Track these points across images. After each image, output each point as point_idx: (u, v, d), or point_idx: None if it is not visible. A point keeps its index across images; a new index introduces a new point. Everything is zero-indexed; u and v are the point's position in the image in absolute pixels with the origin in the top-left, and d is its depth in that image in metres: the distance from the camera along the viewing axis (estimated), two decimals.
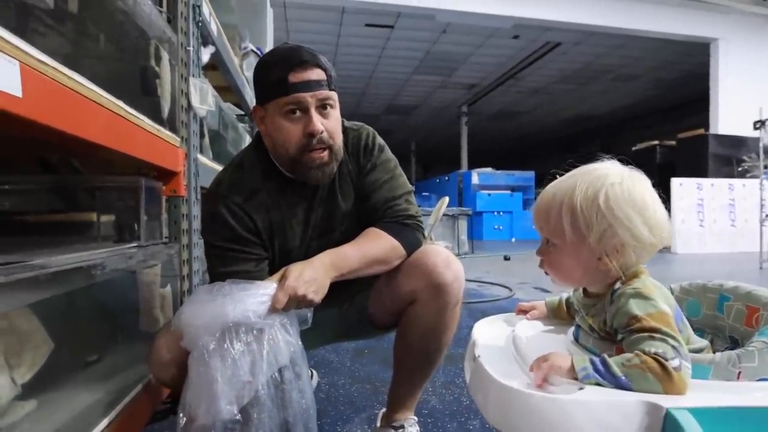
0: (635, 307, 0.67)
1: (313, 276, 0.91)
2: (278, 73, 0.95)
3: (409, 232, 1.06)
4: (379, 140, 1.14)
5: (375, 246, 1.03)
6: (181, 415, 0.78)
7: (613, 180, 0.71)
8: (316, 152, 0.98)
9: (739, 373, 0.66)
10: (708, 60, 7.89)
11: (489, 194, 10.49)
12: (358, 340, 1.32)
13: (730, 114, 7.61)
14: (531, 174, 11.33)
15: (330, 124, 0.99)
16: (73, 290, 0.87)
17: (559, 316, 0.94)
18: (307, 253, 1.05)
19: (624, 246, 0.71)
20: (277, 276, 0.91)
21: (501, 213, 10.45)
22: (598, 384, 0.62)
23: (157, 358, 0.93)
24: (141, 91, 1.17)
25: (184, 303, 0.84)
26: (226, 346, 0.78)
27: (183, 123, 1.41)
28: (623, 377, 0.61)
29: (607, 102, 12.20)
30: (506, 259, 5.91)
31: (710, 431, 0.56)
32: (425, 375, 1.15)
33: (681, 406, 0.57)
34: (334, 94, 0.99)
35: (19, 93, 0.60)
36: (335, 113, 1.00)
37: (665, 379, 0.60)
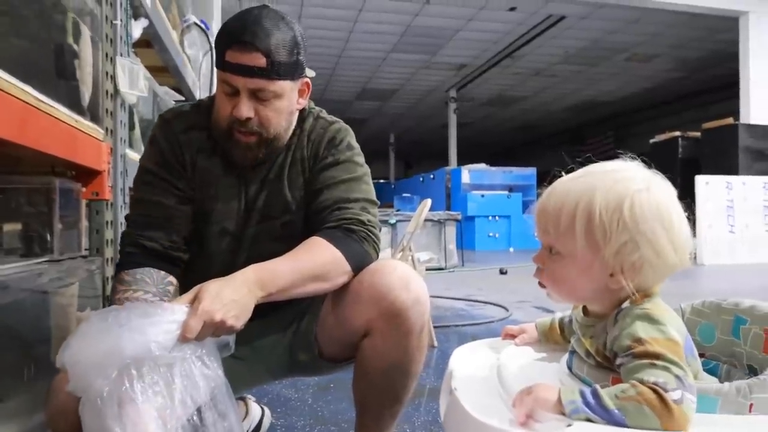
0: (640, 329, 0.69)
1: (232, 297, 0.89)
2: (222, 45, 1.03)
3: (354, 243, 1.06)
4: (353, 141, 1.19)
5: (312, 259, 1.02)
6: None
7: (640, 186, 0.73)
8: (242, 135, 1.06)
9: (751, 405, 0.68)
10: (737, 37, 8.15)
11: (482, 195, 10.63)
12: (309, 376, 1.34)
13: (764, 100, 7.85)
14: (532, 171, 11.54)
15: (265, 113, 1.05)
16: None
17: (552, 339, 0.97)
18: (242, 240, 1.15)
19: (644, 263, 0.72)
20: (188, 297, 0.89)
21: (496, 218, 10.59)
22: (589, 420, 0.64)
23: (52, 405, 0.91)
24: (55, 74, 1.17)
25: (70, 335, 0.80)
26: (124, 389, 0.75)
27: (108, 112, 1.41)
28: (617, 411, 0.63)
29: (620, 86, 12.53)
30: (502, 273, 6.01)
31: None
32: (393, 415, 1.17)
33: None
34: (277, 85, 1.03)
35: None
36: (278, 103, 1.05)
37: (664, 413, 0.62)
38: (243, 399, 1.58)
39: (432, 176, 12.05)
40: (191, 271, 1.16)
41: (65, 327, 1.21)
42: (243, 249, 1.16)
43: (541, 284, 0.81)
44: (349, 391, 1.94)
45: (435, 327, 2.75)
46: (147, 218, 1.10)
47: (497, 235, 10.56)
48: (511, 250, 10.28)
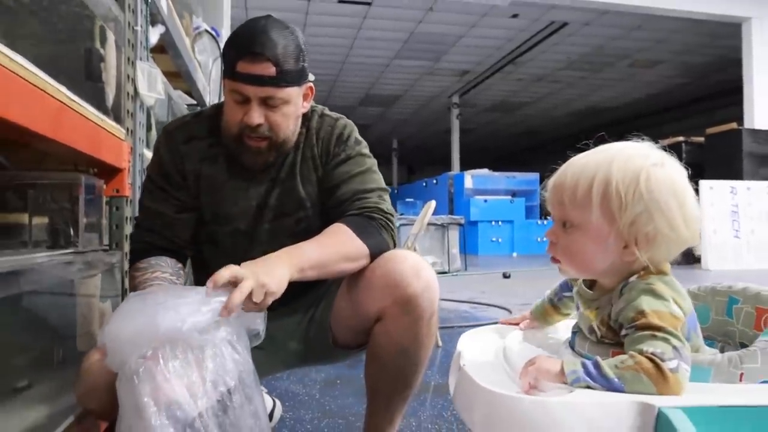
0: (645, 303, 0.73)
1: (270, 268, 0.94)
2: (232, 55, 1.09)
3: (374, 230, 1.12)
4: (358, 135, 1.25)
5: (336, 240, 1.08)
6: None
7: (656, 161, 0.76)
8: (253, 140, 1.12)
9: (742, 374, 0.74)
10: (740, 43, 8.21)
11: (485, 200, 10.70)
12: (322, 364, 1.37)
13: None
14: (535, 176, 11.61)
15: (275, 118, 1.11)
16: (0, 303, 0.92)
17: (549, 318, 1.02)
18: (255, 237, 1.20)
19: (657, 235, 0.75)
20: (219, 277, 0.91)
21: (499, 222, 10.66)
22: (589, 387, 0.69)
23: (84, 383, 0.95)
24: (84, 76, 1.24)
25: (112, 314, 0.85)
26: (158, 367, 0.79)
27: (129, 113, 1.48)
28: (616, 379, 0.68)
29: (622, 92, 12.61)
30: (506, 276, 6.05)
31: (704, 430, 0.63)
32: (404, 399, 1.22)
33: (674, 405, 0.65)
34: (285, 92, 1.09)
35: None
36: (286, 108, 1.11)
37: (660, 380, 0.67)
38: None
39: (435, 181, 12.12)
40: (209, 272, 1.22)
41: (88, 316, 1.27)
42: (258, 246, 1.19)
43: (554, 259, 0.84)
44: (355, 386, 2.01)
45: (440, 328, 2.79)
46: (149, 223, 1.19)
47: (500, 240, 10.61)
48: (515, 254, 10.32)
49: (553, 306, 1.01)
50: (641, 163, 0.76)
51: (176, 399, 0.78)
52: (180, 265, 1.19)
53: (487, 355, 0.91)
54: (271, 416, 1.66)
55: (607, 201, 0.75)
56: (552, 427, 0.67)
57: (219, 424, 0.82)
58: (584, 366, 0.71)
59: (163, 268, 1.13)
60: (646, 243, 0.76)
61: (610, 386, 0.69)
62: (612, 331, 0.79)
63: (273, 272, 0.93)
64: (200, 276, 1.29)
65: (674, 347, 0.69)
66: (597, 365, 0.70)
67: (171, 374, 0.79)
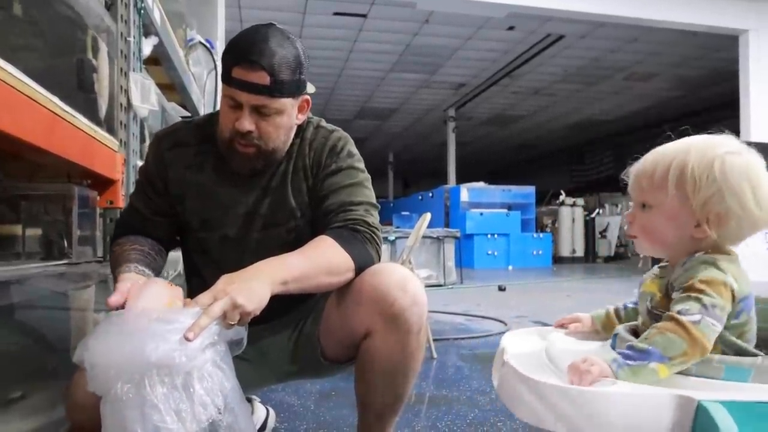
0: (701, 271, 0.78)
1: (248, 285, 0.92)
2: (229, 60, 1.10)
3: (359, 243, 1.11)
4: (353, 149, 1.26)
5: (320, 253, 1.07)
6: None
7: (733, 150, 0.82)
8: (242, 146, 1.13)
9: None
10: (737, 55, 8.22)
11: (481, 214, 10.74)
12: (313, 378, 1.37)
13: (765, 119, 7.88)
14: (531, 190, 11.68)
15: (266, 127, 1.11)
16: None
17: (609, 328, 1.00)
18: (245, 246, 1.20)
19: (728, 215, 0.80)
20: (205, 298, 0.90)
21: (495, 236, 10.69)
22: (633, 371, 0.73)
23: (71, 402, 0.97)
24: (77, 86, 1.26)
25: (90, 332, 0.84)
26: (146, 393, 0.79)
27: (122, 124, 1.50)
28: (650, 347, 0.73)
29: (619, 105, 12.73)
30: (501, 289, 6.06)
31: (744, 425, 0.65)
32: (395, 411, 1.23)
33: (714, 399, 0.68)
34: (278, 102, 1.09)
35: None
36: (279, 119, 1.12)
37: (683, 334, 0.72)
38: (249, 399, 1.65)
39: (431, 194, 12.17)
40: (200, 280, 1.24)
41: (83, 326, 1.28)
42: (248, 254, 1.18)
43: (631, 236, 0.90)
44: (350, 398, 2.01)
45: (435, 340, 2.81)
46: (129, 218, 1.24)
47: (496, 253, 10.63)
48: (510, 268, 10.34)
49: (617, 314, 1.03)
50: (718, 151, 0.81)
51: (165, 426, 0.79)
52: (159, 247, 1.21)
53: (529, 352, 0.94)
54: (264, 425, 1.67)
55: (682, 182, 0.81)
56: (595, 417, 0.71)
57: None
58: (620, 353, 0.76)
59: (142, 243, 1.16)
60: (717, 222, 0.81)
61: (650, 357, 0.74)
62: (667, 298, 0.83)
63: (251, 290, 0.91)
64: (192, 283, 1.31)
65: (703, 304, 0.74)
66: (630, 346, 0.75)
67: (159, 400, 0.79)
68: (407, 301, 1.08)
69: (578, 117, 13.75)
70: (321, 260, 1.06)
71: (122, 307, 0.91)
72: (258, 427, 1.64)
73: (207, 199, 1.21)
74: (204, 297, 0.89)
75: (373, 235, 1.14)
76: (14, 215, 1.22)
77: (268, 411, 1.71)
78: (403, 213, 11.66)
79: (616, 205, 12.80)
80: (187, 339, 0.81)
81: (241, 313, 0.89)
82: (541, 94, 11.81)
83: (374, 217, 1.18)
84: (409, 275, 1.12)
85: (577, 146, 16.69)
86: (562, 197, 12.28)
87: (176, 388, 0.81)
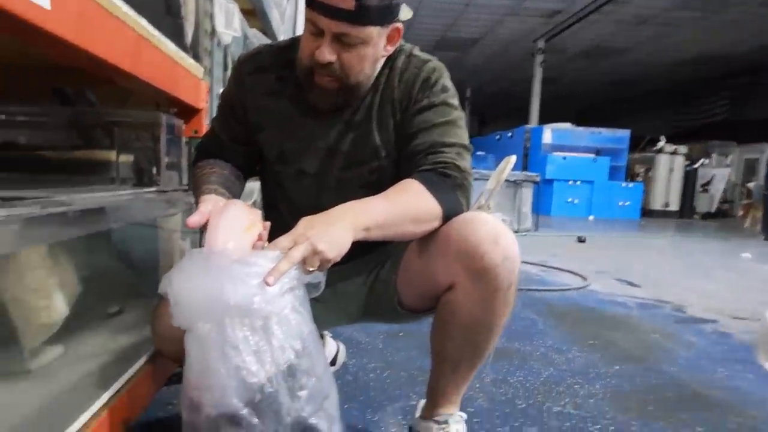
0: None
1: (329, 230, 0.90)
2: None
3: (448, 189, 1.05)
4: (448, 82, 1.18)
5: (406, 199, 1.02)
6: (185, 397, 0.85)
7: None
8: (320, 77, 1.07)
9: None
10: None
11: (564, 158, 10.36)
12: (386, 323, 1.36)
13: None
14: (624, 134, 11.07)
15: (348, 58, 1.05)
16: (93, 235, 1.00)
17: None
18: (323, 184, 1.19)
19: None
20: (285, 241, 0.89)
21: (578, 182, 10.32)
22: None
23: (156, 330, 1.02)
24: (164, 11, 1.28)
25: (174, 267, 0.87)
26: (227, 333, 0.82)
27: (206, 51, 1.52)
28: None
29: (748, 37, 11.32)
30: (581, 240, 5.92)
31: None
32: (472, 367, 1.18)
33: None
34: (363, 31, 1.02)
35: (47, 5, 0.68)
36: (363, 49, 1.05)
37: None
38: (321, 335, 1.73)
39: (510, 134, 11.83)
40: (277, 213, 1.26)
41: (169, 253, 1.36)
42: (326, 193, 1.18)
43: None
44: (418, 340, 2.07)
45: None
46: (210, 143, 1.26)
47: (576, 201, 10.31)
48: (591, 218, 10.02)
49: None
50: None
51: (246, 367, 0.82)
52: (238, 173, 1.23)
53: None
54: (334, 360, 1.75)
55: None
56: None
57: (288, 389, 0.85)
58: None
59: (222, 166, 1.19)
60: None
61: None
62: None
63: (332, 236, 0.89)
64: (268, 214, 1.31)
65: None
66: None
67: (239, 342, 0.82)
68: (498, 256, 1.01)
69: (693, 51, 12.48)
70: (407, 207, 1.01)
71: (203, 227, 0.93)
72: (328, 361, 1.72)
73: (285, 130, 1.18)
74: (284, 240, 0.89)
75: (464, 180, 1.08)
76: (108, 141, 1.29)
77: (338, 346, 1.79)
78: (478, 153, 11.43)
79: (726, 156, 11.91)
80: (267, 284, 0.83)
81: (321, 260, 0.88)
82: (649, 23, 10.81)
83: (466, 161, 1.11)
84: (501, 227, 1.05)
85: (683, 86, 15.35)
86: (662, 143, 11.49)
87: (255, 331, 0.83)
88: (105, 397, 0.93)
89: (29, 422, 0.83)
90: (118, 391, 0.96)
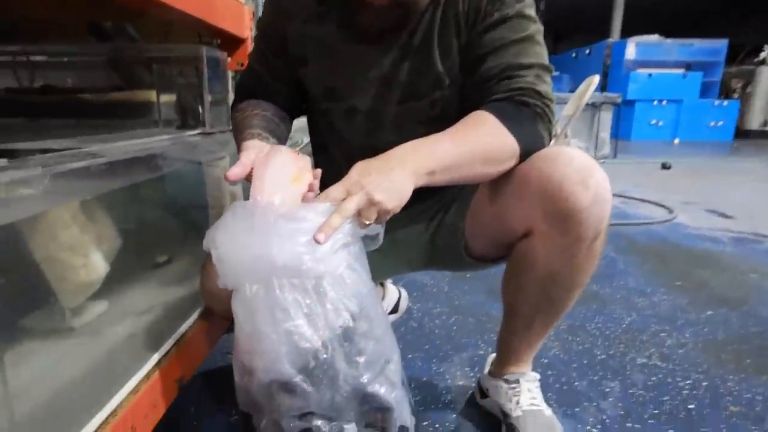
0: None
1: (387, 177, 0.79)
2: None
3: (526, 121, 0.91)
4: None
5: (477, 136, 0.88)
6: (237, 360, 0.81)
7: None
8: None
9: None
10: None
11: (649, 75, 9.59)
12: (451, 270, 1.25)
13: None
14: (721, 44, 10.02)
15: None
16: (137, 183, 0.96)
17: None
18: (377, 121, 1.05)
19: None
20: (338, 190, 0.80)
21: (664, 102, 9.60)
22: None
23: (207, 286, 0.96)
24: None
25: (218, 222, 0.81)
26: (275, 295, 0.76)
27: None
28: None
29: None
30: (665, 167, 5.57)
31: None
32: (548, 325, 1.09)
33: None
34: None
35: None
36: None
37: None
38: (381, 284, 1.67)
39: (587, 51, 11.06)
40: (327, 156, 1.16)
41: (219, 198, 1.32)
42: (383, 132, 1.07)
43: None
44: (487, 284, 1.99)
45: None
46: (249, 81, 1.13)
47: (661, 123, 9.64)
48: (676, 141, 9.40)
49: None
50: None
51: (297, 331, 0.77)
52: (283, 113, 1.11)
53: None
54: (396, 308, 1.70)
55: None
56: None
57: (345, 354, 0.80)
58: None
59: (264, 108, 1.07)
60: None
61: None
62: None
63: (391, 183, 0.79)
64: (319, 159, 1.22)
65: None
66: None
67: (289, 304, 0.77)
68: (586, 199, 0.86)
69: None
70: (477, 145, 0.88)
71: (248, 179, 0.85)
72: (390, 309, 1.67)
73: (331, 61, 1.04)
74: (336, 190, 0.79)
75: (545, 108, 0.92)
76: (148, 80, 1.23)
77: (400, 292, 1.73)
78: (553, 74, 10.84)
79: None
80: (317, 241, 0.74)
81: (379, 211, 0.78)
82: None
83: (547, 84, 0.95)
84: (592, 165, 0.89)
85: None
86: (765, 53, 10.35)
87: (307, 292, 0.78)
88: (155, 357, 0.91)
89: (76, 384, 0.81)
90: (169, 351, 0.94)
